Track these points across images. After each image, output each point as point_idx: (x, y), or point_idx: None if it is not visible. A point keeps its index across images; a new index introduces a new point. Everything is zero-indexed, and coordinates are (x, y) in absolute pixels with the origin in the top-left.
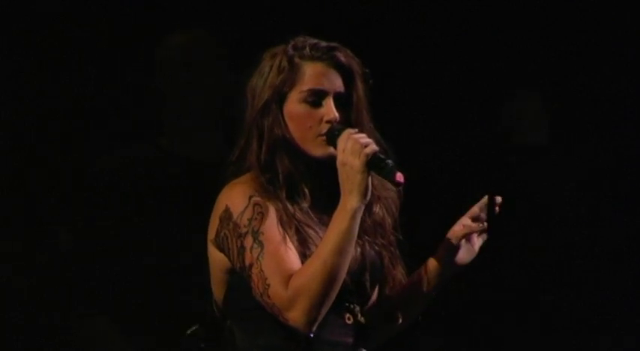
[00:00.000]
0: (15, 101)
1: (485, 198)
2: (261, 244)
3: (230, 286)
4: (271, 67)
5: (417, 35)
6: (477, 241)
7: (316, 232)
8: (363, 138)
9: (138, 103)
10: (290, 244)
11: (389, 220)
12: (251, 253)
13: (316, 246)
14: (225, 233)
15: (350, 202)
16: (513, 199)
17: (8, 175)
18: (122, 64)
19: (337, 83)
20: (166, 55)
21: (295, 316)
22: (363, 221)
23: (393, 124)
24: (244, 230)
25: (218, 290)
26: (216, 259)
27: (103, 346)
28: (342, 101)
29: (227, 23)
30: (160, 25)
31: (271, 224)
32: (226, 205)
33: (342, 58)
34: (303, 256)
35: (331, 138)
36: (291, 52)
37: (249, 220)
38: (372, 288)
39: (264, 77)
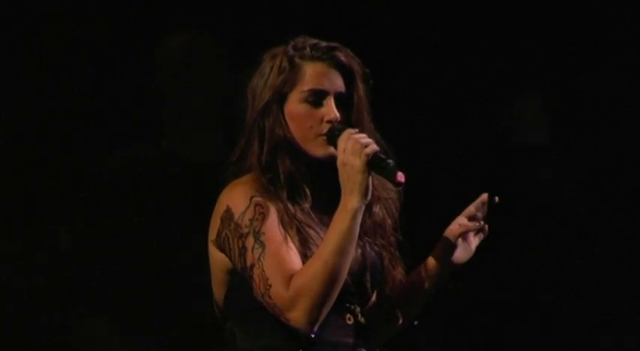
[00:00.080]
0: (15, 101)
1: (481, 197)
2: (262, 245)
3: (231, 287)
4: (272, 67)
5: (417, 35)
6: (474, 240)
7: (317, 232)
8: (364, 138)
9: (138, 103)
10: (291, 245)
11: (389, 221)
12: (252, 253)
13: (317, 246)
14: (226, 233)
15: (351, 202)
16: (513, 199)
17: (8, 175)
18: (122, 64)
19: (338, 83)
20: (166, 55)
21: (297, 317)
22: (363, 222)
23: (393, 124)
24: (246, 230)
25: (219, 291)
26: (217, 259)
27: (102, 346)
28: (343, 101)
29: (227, 23)
30: (159, 25)
31: (272, 224)
32: (227, 206)
33: (343, 58)
34: (304, 257)
35: (332, 138)
36: (291, 52)
37: (251, 220)
38: (373, 288)
39: (265, 78)
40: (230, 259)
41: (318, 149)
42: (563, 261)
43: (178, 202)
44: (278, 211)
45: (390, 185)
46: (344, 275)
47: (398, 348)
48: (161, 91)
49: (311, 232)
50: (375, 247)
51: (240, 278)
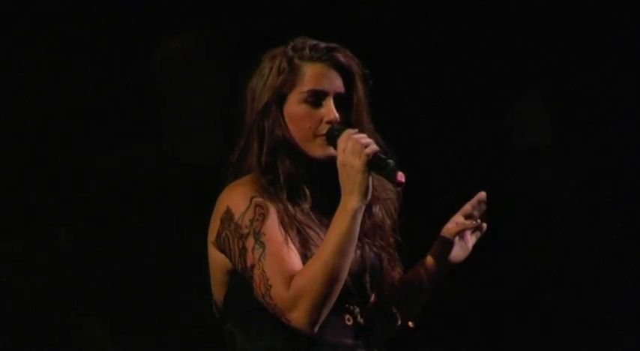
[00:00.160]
0: (15, 101)
1: (477, 195)
2: (262, 245)
3: (230, 288)
4: (271, 68)
5: (417, 35)
6: (471, 239)
7: (317, 233)
8: (364, 138)
9: (138, 103)
10: (291, 245)
11: (388, 222)
12: (253, 254)
13: (317, 247)
14: (226, 234)
15: (351, 202)
16: (513, 199)
17: (8, 175)
18: (122, 64)
19: (337, 84)
20: (166, 55)
21: (297, 317)
22: (362, 223)
23: (393, 124)
24: (246, 231)
25: (218, 291)
26: (217, 260)
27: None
28: (342, 102)
29: (227, 23)
30: (159, 26)
31: (273, 225)
32: (227, 206)
33: (342, 59)
34: (305, 258)
35: (331, 138)
36: (290, 53)
37: (251, 221)
38: (372, 289)
39: (264, 79)
40: (230, 259)
41: (317, 150)
42: (563, 261)
43: (178, 202)
44: (278, 211)
45: (389, 186)
46: (344, 275)
47: (397, 348)
48: (161, 91)
49: (311, 233)
50: (374, 248)
51: (240, 279)
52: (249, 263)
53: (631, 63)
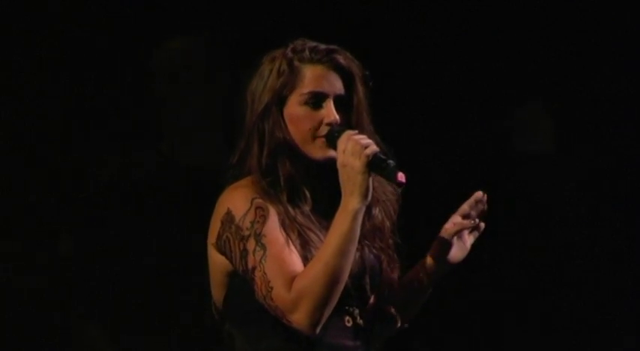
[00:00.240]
0: (15, 101)
1: (475, 195)
2: (263, 247)
3: (230, 289)
4: (271, 70)
5: (417, 35)
6: (469, 238)
7: (317, 235)
8: (364, 139)
9: (138, 104)
10: (292, 247)
11: (387, 224)
12: (254, 255)
13: (318, 249)
14: (227, 236)
15: (351, 203)
16: (513, 199)
17: (8, 175)
18: (122, 65)
19: (337, 85)
20: (166, 56)
21: (299, 319)
22: (362, 225)
23: (393, 125)
24: (247, 233)
25: (218, 293)
26: (217, 262)
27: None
28: (342, 104)
29: (227, 24)
30: (159, 27)
31: (273, 227)
32: (228, 208)
33: (342, 61)
34: (305, 260)
35: (331, 140)
36: (290, 55)
37: (252, 222)
38: (372, 291)
39: (264, 81)
40: (231, 261)
41: (317, 152)
42: (563, 261)
43: (178, 202)
44: (279, 213)
45: (388, 188)
46: (345, 276)
47: (398, 349)
48: (161, 92)
49: (311, 234)
50: (374, 250)
51: (240, 281)
52: (250, 265)
53: (631, 64)
